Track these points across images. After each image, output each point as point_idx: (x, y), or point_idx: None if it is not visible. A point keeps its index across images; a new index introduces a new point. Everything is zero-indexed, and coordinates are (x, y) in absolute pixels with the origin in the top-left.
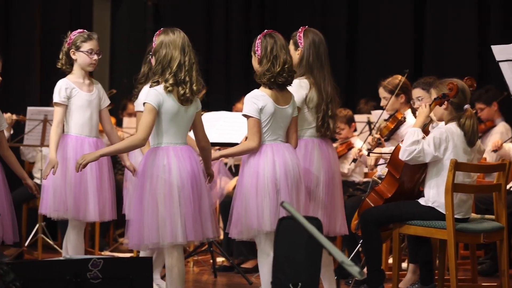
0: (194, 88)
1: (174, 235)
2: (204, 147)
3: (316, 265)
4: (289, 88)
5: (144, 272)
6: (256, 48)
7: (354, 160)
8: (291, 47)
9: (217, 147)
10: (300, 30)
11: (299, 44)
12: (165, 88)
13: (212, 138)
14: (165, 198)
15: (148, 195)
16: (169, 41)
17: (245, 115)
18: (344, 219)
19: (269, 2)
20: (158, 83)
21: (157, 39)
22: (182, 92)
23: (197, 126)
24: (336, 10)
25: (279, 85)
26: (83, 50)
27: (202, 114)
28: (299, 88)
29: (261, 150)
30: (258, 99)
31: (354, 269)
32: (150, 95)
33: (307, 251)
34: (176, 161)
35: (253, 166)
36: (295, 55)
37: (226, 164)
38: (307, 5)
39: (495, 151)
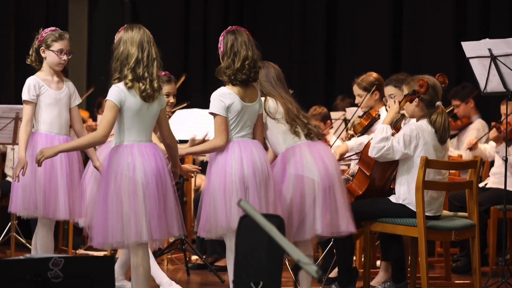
0: (155, 84)
1: (139, 233)
2: (170, 144)
3: (277, 263)
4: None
5: (106, 271)
6: (219, 45)
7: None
8: None
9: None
10: None
11: None
12: (125, 84)
13: (183, 135)
14: (129, 196)
15: (112, 193)
16: (127, 38)
17: (211, 113)
18: (349, 216)
19: None
20: (119, 79)
21: (117, 36)
22: (142, 88)
23: (161, 124)
24: (315, 7)
25: (242, 81)
26: (53, 49)
27: (172, 111)
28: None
29: (229, 148)
30: (225, 97)
31: (310, 268)
32: (111, 92)
33: (269, 250)
34: (141, 159)
35: (221, 163)
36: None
37: (203, 160)
38: (286, 1)
39: (470, 149)
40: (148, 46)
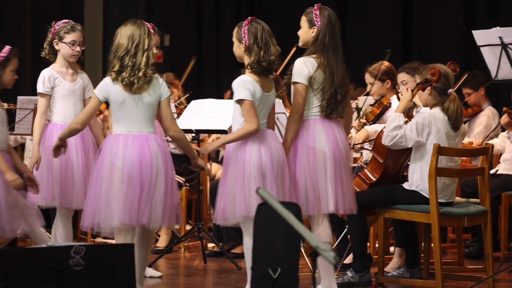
0: (140, 74)
1: (112, 217)
2: (173, 136)
3: (295, 250)
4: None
5: (126, 259)
6: (243, 35)
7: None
8: (305, 24)
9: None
10: (315, 7)
11: (315, 22)
12: (110, 76)
13: (198, 125)
14: (108, 182)
15: (96, 179)
16: (121, 32)
17: (239, 100)
18: (352, 199)
19: None
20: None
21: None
22: (124, 76)
23: (162, 116)
24: None
25: (267, 71)
26: (66, 41)
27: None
28: (302, 65)
29: None
30: (248, 83)
31: (328, 254)
32: (98, 85)
33: (287, 237)
34: (123, 148)
35: (239, 152)
36: (309, 33)
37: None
38: None
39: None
40: (139, 38)
